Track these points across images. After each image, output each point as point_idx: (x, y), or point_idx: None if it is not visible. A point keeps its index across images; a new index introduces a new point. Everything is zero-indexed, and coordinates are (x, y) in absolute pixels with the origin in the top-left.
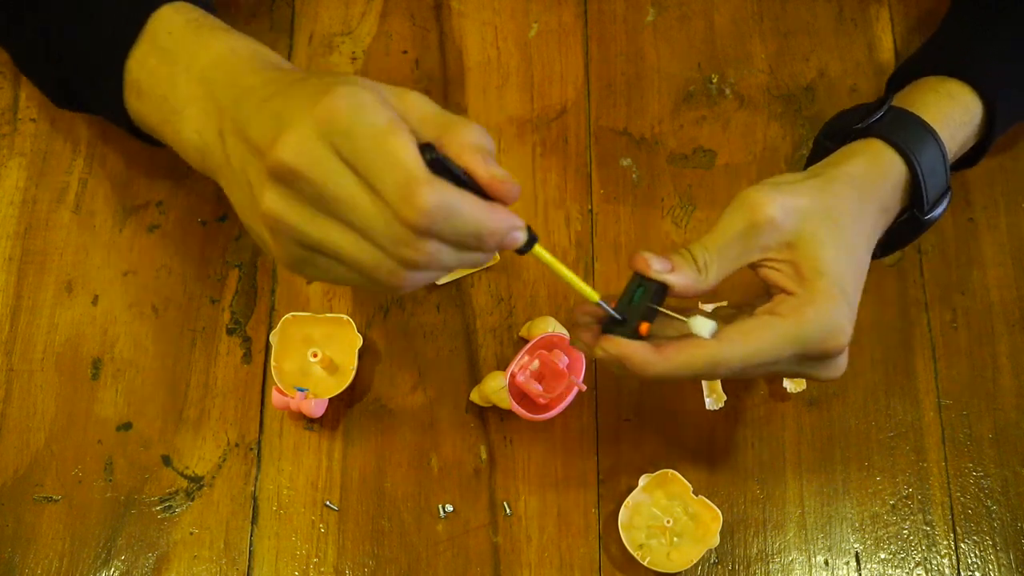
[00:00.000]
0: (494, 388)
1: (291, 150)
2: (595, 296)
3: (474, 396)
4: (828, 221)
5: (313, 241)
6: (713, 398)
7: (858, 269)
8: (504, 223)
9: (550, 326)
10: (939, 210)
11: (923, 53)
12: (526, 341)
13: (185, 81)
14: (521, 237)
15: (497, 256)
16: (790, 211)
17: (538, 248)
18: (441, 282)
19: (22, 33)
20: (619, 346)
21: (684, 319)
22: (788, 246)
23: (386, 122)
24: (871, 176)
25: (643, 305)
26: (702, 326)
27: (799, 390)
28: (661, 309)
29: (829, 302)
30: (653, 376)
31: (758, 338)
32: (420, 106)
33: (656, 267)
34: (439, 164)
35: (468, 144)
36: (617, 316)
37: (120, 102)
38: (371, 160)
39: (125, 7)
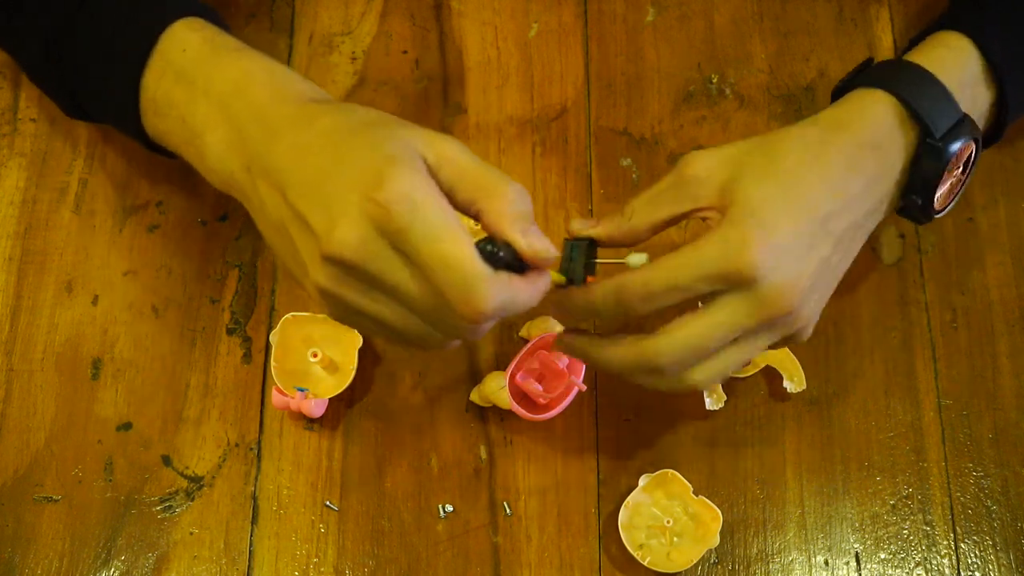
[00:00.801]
0: (494, 388)
1: (349, 247)
2: (562, 279)
3: (474, 396)
4: (760, 160)
5: (364, 311)
6: (713, 398)
7: (795, 196)
8: (538, 300)
9: (550, 326)
10: (959, 142)
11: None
12: (526, 341)
13: (204, 105)
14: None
15: None
16: (721, 161)
17: (554, 274)
18: None
19: (33, 46)
20: (564, 296)
21: (622, 260)
22: (720, 193)
23: (442, 222)
24: (843, 115)
25: (580, 262)
26: (635, 259)
27: (799, 390)
28: (599, 261)
29: (731, 223)
30: (589, 312)
31: (669, 261)
32: (457, 158)
33: (578, 225)
34: (494, 255)
35: (508, 214)
36: (562, 279)
37: (137, 119)
38: (429, 261)
39: (136, 23)
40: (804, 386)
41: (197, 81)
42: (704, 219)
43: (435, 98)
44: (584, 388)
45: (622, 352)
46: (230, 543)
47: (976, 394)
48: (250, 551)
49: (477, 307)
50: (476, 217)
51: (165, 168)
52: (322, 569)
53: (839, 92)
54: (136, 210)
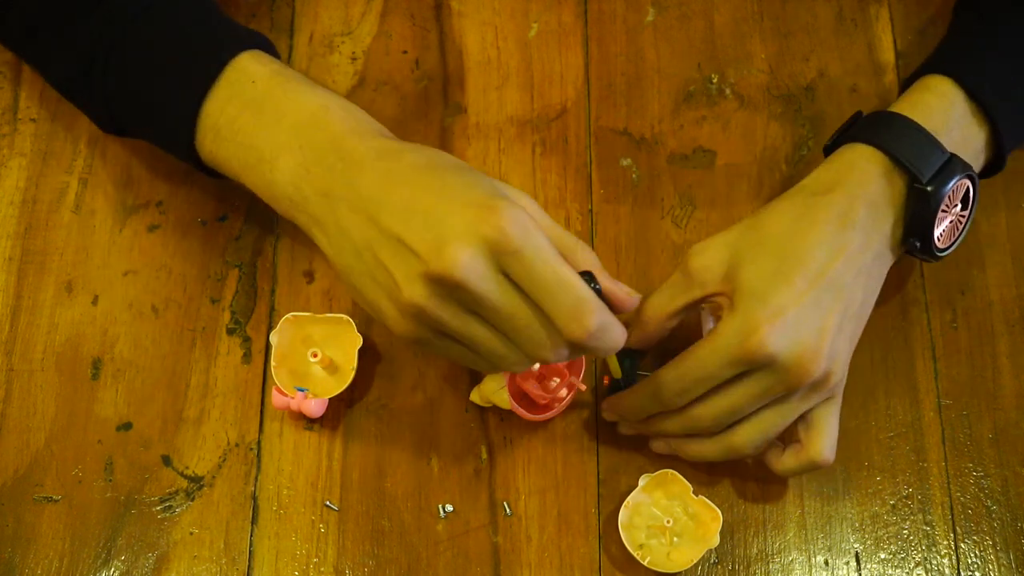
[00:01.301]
0: (494, 388)
1: (460, 266)
2: (619, 373)
3: (474, 396)
4: (754, 239)
5: (451, 332)
6: None
7: (792, 265)
8: (624, 339)
9: None
10: (949, 182)
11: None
12: None
13: (275, 132)
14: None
15: None
16: (720, 249)
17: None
18: None
19: (70, 61)
20: (616, 401)
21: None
22: (724, 279)
23: (551, 249)
24: (830, 174)
25: (631, 369)
26: None
27: None
28: (640, 373)
29: (738, 310)
30: (636, 411)
31: (691, 355)
32: (538, 212)
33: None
34: (593, 288)
35: (593, 266)
36: (621, 384)
37: (190, 142)
38: (544, 280)
39: (202, 52)
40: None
41: (267, 109)
42: (717, 304)
43: (435, 98)
44: (584, 387)
45: (671, 422)
46: (230, 543)
47: (976, 394)
48: (250, 551)
49: (584, 323)
50: None
51: (165, 168)
52: (322, 569)
53: (829, 149)
54: (136, 210)
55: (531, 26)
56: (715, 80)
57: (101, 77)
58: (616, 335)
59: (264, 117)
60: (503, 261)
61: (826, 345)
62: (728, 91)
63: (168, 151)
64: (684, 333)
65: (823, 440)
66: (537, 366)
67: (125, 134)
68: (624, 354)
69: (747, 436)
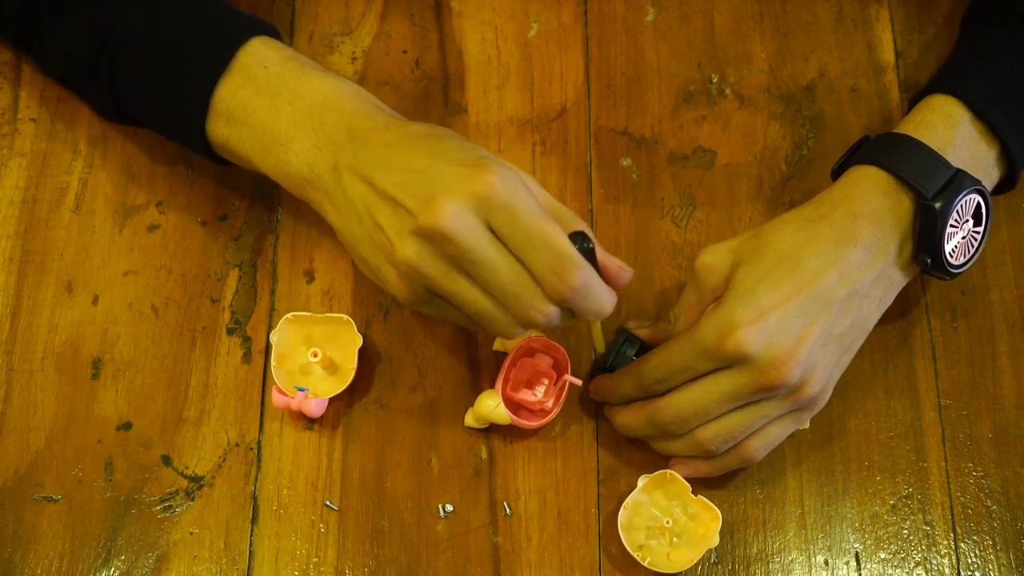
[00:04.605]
0: (490, 407)
1: (448, 216)
2: (602, 347)
3: (468, 420)
4: (754, 245)
5: (441, 290)
6: None
7: (784, 272)
8: (613, 304)
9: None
10: (956, 197)
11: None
12: (502, 354)
13: (290, 114)
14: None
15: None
16: (723, 253)
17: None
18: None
19: (73, 52)
20: (600, 383)
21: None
22: (725, 281)
23: (538, 207)
24: (835, 193)
25: (627, 354)
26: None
27: (803, 427)
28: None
29: (722, 307)
30: (619, 394)
31: (672, 345)
32: (532, 182)
33: (633, 324)
34: (588, 252)
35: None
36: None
37: (201, 126)
38: (528, 237)
39: (214, 38)
40: (807, 425)
41: (281, 93)
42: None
43: (435, 98)
44: (578, 382)
45: (634, 414)
46: (230, 543)
47: (976, 394)
48: (250, 551)
49: (567, 279)
50: None
51: (165, 168)
52: (322, 569)
53: (836, 173)
54: (136, 210)
55: (531, 26)
56: (715, 80)
57: (110, 63)
58: (602, 296)
59: (279, 100)
60: (490, 216)
61: (803, 353)
62: (728, 91)
63: (175, 138)
64: None
65: (759, 440)
66: (524, 374)
67: (130, 122)
68: (626, 341)
69: (711, 435)
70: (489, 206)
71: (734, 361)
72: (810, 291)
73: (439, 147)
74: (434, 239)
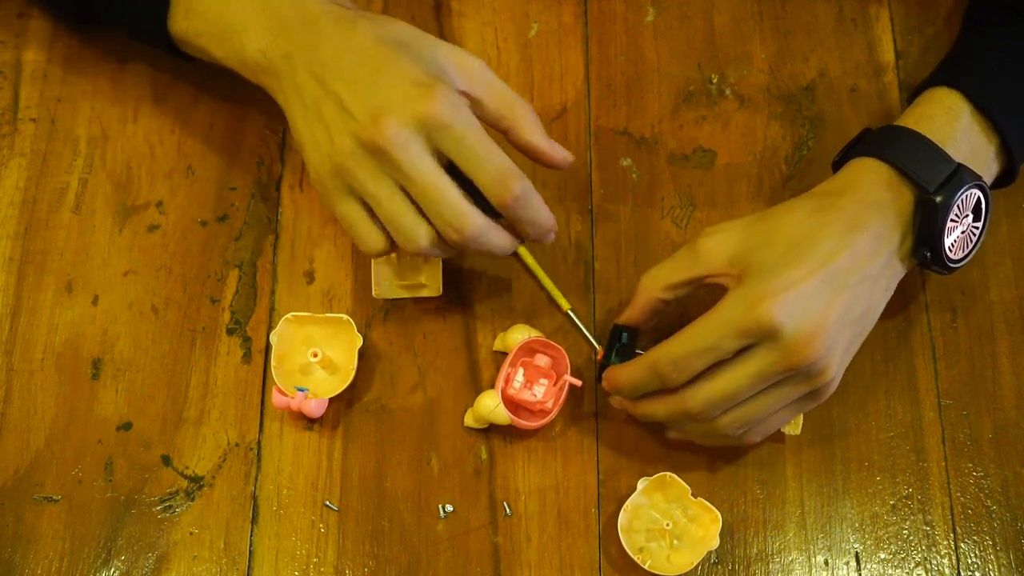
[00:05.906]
0: (489, 407)
1: (389, 134)
2: (567, 305)
3: (468, 420)
4: (765, 228)
5: (367, 194)
6: (790, 426)
7: (803, 252)
8: (552, 220)
9: (524, 333)
10: (957, 192)
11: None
12: (501, 353)
13: (244, 3)
14: (552, 236)
15: (440, 289)
16: (730, 235)
17: (522, 249)
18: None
19: None
20: (611, 374)
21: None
22: (729, 262)
23: (478, 124)
24: (838, 184)
25: (630, 348)
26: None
27: (795, 434)
28: (637, 351)
29: (748, 283)
30: (632, 386)
31: (694, 327)
32: (483, 76)
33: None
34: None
35: (535, 129)
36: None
37: (163, 21)
38: (471, 153)
39: None
40: (799, 430)
41: None
42: (715, 285)
43: None
44: (578, 383)
45: (660, 405)
46: (230, 543)
47: (976, 394)
48: (250, 551)
49: (509, 186)
50: (504, 131)
51: (165, 168)
52: (322, 569)
53: (837, 164)
54: (136, 210)
55: (531, 26)
56: (715, 80)
57: None
58: (542, 211)
59: None
60: (434, 136)
61: (828, 329)
62: (728, 91)
63: (139, 37)
64: (678, 320)
65: (763, 424)
66: (523, 373)
67: (98, 23)
68: (621, 329)
69: (731, 420)
70: (432, 125)
71: (763, 335)
72: (826, 271)
73: (389, 56)
74: (371, 151)
